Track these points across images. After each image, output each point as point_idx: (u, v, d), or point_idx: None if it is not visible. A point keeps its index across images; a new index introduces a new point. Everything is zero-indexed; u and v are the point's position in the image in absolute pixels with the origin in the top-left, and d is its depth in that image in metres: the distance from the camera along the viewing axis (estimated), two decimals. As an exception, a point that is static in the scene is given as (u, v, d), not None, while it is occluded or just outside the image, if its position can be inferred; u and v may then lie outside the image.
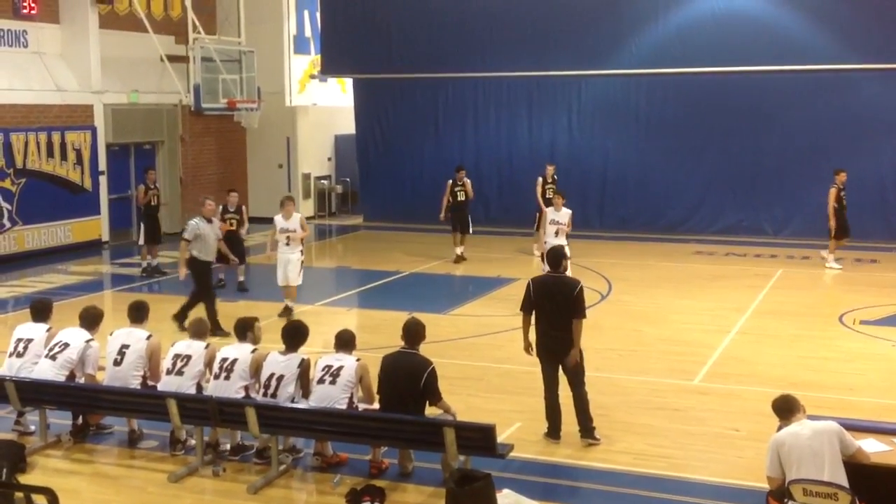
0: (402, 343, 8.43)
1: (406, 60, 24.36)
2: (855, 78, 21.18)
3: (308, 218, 26.28)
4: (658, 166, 22.77)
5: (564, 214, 15.98)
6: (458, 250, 19.26)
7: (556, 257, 9.39)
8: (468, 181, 19.35)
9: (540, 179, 19.52)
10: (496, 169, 24.37)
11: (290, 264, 14.30)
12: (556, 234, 15.78)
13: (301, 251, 14.48)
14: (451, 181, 19.35)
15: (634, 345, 12.94)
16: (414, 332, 8.38)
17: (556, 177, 19.66)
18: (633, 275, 17.75)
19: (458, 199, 19.19)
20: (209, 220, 13.54)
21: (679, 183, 22.59)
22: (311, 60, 26.52)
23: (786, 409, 6.88)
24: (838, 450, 6.49)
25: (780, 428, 6.88)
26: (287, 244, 14.32)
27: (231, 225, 15.90)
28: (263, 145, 25.93)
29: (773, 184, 22.00)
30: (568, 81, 23.49)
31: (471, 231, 19.48)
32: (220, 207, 15.92)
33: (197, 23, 21.85)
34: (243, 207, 16.79)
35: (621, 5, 22.46)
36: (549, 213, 16.22)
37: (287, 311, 14.28)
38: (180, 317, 13.17)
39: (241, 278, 16.28)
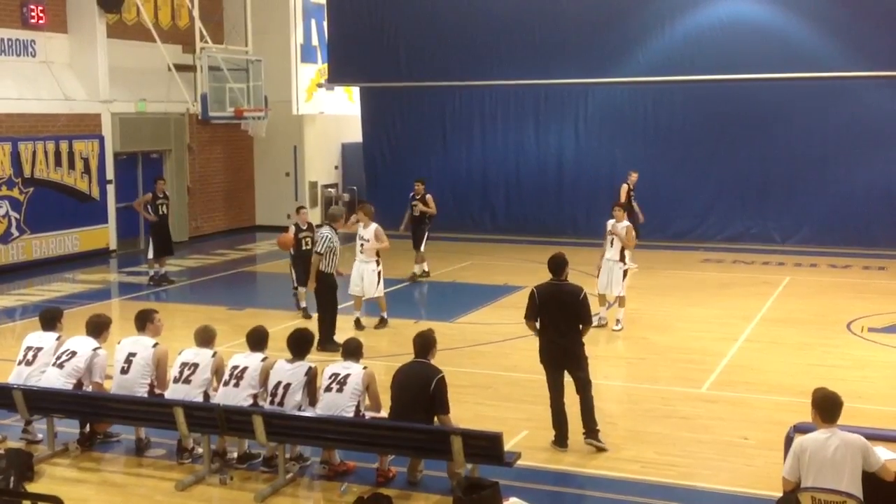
0: (414, 354, 8.45)
1: (413, 69, 24.39)
2: (863, 85, 21.15)
3: (315, 226, 26.45)
4: (666, 174, 22.74)
5: (622, 228, 14.10)
6: (416, 268, 18.17)
7: (557, 264, 9.37)
8: (429, 196, 18.15)
9: (625, 187, 19.08)
10: (503, 177, 24.38)
11: (365, 274, 14.08)
12: (612, 244, 14.12)
13: (377, 262, 14.20)
14: (411, 193, 18.42)
15: (642, 353, 12.91)
16: (424, 343, 8.40)
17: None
18: (640, 283, 17.69)
19: (413, 213, 18.23)
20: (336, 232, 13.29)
21: (687, 191, 22.57)
22: (318, 69, 26.58)
23: (828, 409, 6.61)
24: (860, 465, 6.45)
25: (799, 429, 6.84)
26: (361, 252, 14.15)
27: (307, 244, 14.79)
28: (270, 154, 25.98)
29: (781, 191, 21.97)
30: (575, 90, 23.49)
31: (422, 248, 18.08)
32: (293, 227, 15.20)
33: (204, 32, 21.92)
34: (314, 225, 16.00)
35: (628, 14, 22.46)
36: (609, 224, 14.24)
37: (357, 324, 14.00)
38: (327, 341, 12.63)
39: (304, 304, 15.01)
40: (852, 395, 10.63)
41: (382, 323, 14.23)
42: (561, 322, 9.14)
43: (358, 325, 14.02)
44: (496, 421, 9.48)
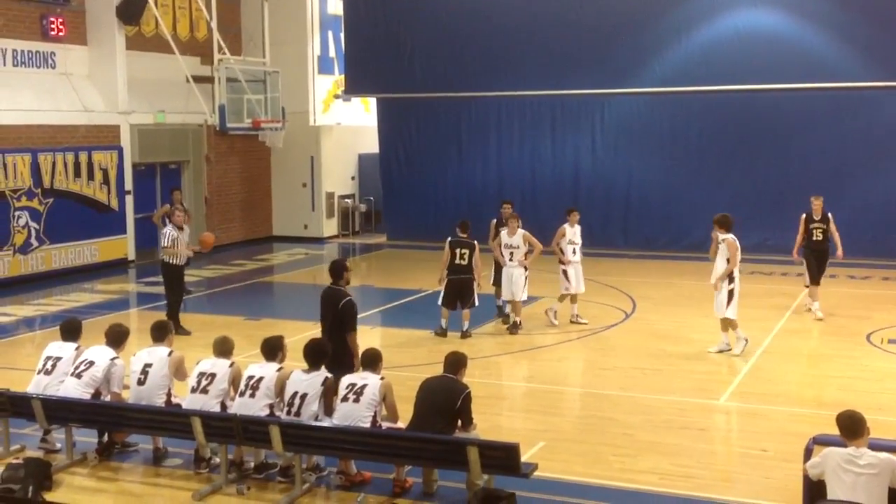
0: (443, 370, 8.52)
1: (429, 80, 24.45)
2: (879, 96, 21.06)
3: (331, 237, 26.58)
4: (682, 185, 22.69)
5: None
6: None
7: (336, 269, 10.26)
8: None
9: (804, 217, 16.00)
10: (519, 187, 24.31)
11: (513, 278, 14.65)
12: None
13: (525, 267, 14.77)
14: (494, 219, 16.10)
15: (658, 364, 12.85)
16: (455, 362, 8.52)
17: (829, 213, 15.97)
18: (657, 294, 17.66)
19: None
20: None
21: (703, 201, 22.36)
22: (334, 80, 26.69)
23: (852, 429, 6.71)
24: (887, 485, 6.48)
25: (819, 441, 6.88)
26: (511, 259, 14.70)
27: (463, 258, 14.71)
28: (288, 165, 26.09)
29: (798, 202, 21.65)
30: (591, 100, 23.50)
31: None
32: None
33: (222, 44, 22.04)
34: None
35: (644, 24, 22.45)
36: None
37: (514, 326, 14.59)
38: None
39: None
40: (873, 407, 10.60)
41: (515, 326, 14.63)
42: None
43: (514, 327, 14.63)
44: (512, 432, 9.48)
